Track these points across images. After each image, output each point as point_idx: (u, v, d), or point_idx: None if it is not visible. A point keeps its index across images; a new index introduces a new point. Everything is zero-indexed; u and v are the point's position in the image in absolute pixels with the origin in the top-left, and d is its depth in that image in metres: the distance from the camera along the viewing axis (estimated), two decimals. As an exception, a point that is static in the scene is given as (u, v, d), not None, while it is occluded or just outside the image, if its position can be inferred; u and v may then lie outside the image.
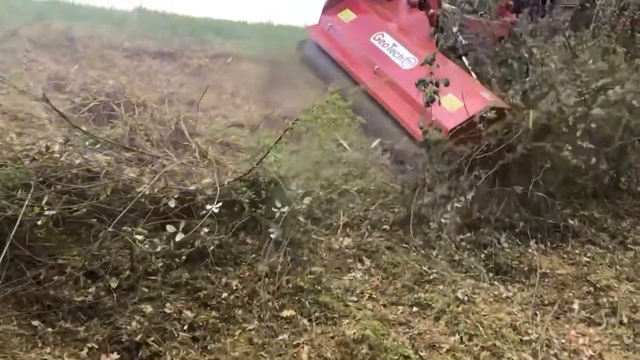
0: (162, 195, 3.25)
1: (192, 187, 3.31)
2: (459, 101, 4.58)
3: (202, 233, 3.26)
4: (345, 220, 4.14)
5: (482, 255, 4.05)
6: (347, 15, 5.99)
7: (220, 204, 3.21)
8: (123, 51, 5.82)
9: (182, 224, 3.19)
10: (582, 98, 4.46)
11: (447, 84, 4.34)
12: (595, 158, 4.43)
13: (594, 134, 4.45)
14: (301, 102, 5.62)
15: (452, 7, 6.56)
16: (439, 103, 4.36)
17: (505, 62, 5.52)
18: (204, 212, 3.23)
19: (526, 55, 5.32)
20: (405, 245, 3.97)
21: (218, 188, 3.28)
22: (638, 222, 4.72)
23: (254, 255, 3.47)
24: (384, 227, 4.12)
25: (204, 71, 5.89)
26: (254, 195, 3.49)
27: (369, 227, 4.12)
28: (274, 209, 3.53)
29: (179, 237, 3.09)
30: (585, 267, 4.07)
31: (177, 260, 3.23)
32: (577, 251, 4.23)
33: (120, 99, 4.37)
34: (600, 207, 4.80)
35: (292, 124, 3.78)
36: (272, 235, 3.48)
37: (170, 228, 3.14)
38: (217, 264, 3.35)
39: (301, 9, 6.81)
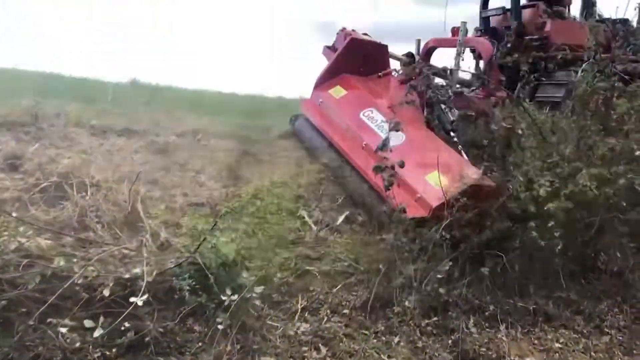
0: (99, 283, 3.18)
1: (127, 275, 3.23)
2: (444, 178, 4.62)
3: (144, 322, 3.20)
4: (304, 304, 4.04)
5: (449, 341, 3.93)
6: (338, 92, 6.19)
7: (145, 296, 3.13)
8: (89, 129, 5.87)
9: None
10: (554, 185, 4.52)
11: (402, 166, 4.38)
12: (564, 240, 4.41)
13: (570, 215, 4.45)
14: (274, 178, 5.63)
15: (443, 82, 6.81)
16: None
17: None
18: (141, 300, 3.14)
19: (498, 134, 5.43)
20: (365, 332, 3.85)
21: (145, 279, 3.21)
22: (615, 304, 4.61)
23: (200, 344, 3.37)
24: (344, 311, 4.00)
25: (170, 149, 5.92)
26: (195, 282, 3.41)
27: (328, 311, 4.00)
28: (222, 297, 3.46)
29: (97, 333, 2.98)
30: (557, 354, 3.93)
31: (115, 351, 3.15)
32: (549, 336, 4.10)
33: (73, 179, 4.34)
34: (578, 289, 4.71)
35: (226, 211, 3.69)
36: (219, 326, 3.39)
37: (88, 323, 3.04)
38: (159, 353, 3.25)
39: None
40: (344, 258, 4.50)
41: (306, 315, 3.97)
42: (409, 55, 6.66)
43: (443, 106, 5.74)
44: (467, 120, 5.91)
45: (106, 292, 3.11)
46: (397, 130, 4.61)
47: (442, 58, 7.70)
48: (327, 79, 6.42)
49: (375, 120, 5.66)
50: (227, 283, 3.57)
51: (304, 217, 4.96)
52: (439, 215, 4.41)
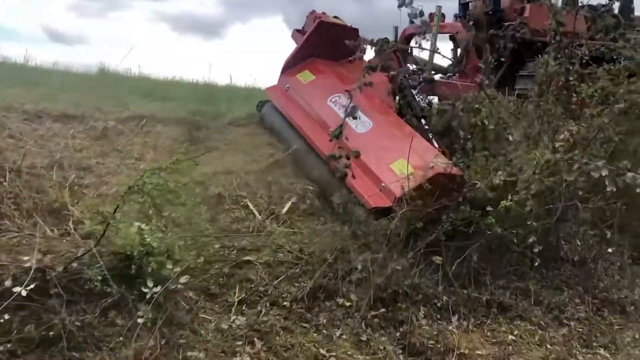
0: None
1: (27, 265, 3.03)
2: (410, 167, 4.55)
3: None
4: (242, 296, 3.87)
5: (397, 334, 3.80)
6: (306, 77, 6.09)
7: (32, 286, 2.95)
8: (21, 114, 5.63)
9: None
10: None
11: (357, 156, 4.33)
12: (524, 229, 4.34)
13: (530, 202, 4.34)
14: (221, 166, 5.45)
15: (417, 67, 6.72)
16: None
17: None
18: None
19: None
20: (305, 325, 3.69)
21: (33, 267, 3.02)
22: (577, 294, 4.52)
23: (120, 339, 3.19)
24: (284, 303, 3.84)
25: (110, 134, 5.70)
26: (114, 273, 3.23)
27: (267, 304, 3.83)
28: (144, 289, 3.29)
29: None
30: (510, 347, 3.81)
31: (25, 346, 2.97)
32: (503, 328, 3.99)
33: (-7, 165, 4.12)
34: (538, 279, 4.61)
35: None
36: (139, 320, 3.22)
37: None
38: (74, 348, 3.07)
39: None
40: (289, 248, 4.33)
41: (243, 308, 3.80)
42: (384, 40, 6.44)
43: (414, 92, 5.72)
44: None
45: (8, 283, 2.90)
46: (354, 117, 4.54)
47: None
48: (295, 63, 6.30)
49: (342, 106, 5.38)
50: (151, 274, 3.38)
51: (248, 206, 4.78)
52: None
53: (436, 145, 5.13)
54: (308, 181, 5.18)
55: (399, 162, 4.67)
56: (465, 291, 4.22)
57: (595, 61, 5.36)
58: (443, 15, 7.63)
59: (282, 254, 4.25)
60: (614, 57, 5.35)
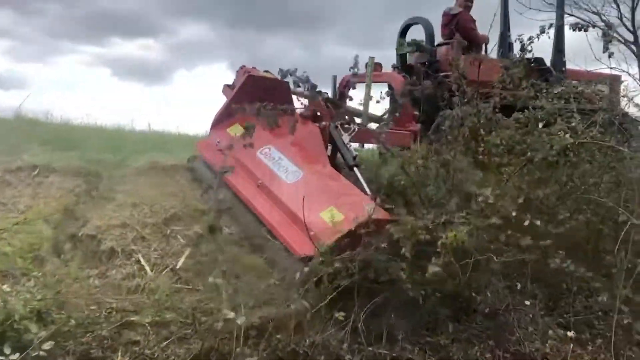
0: None
1: None
2: (340, 214, 4.64)
3: None
4: (127, 359, 3.61)
5: (293, 399, 3.59)
6: (236, 130, 6.12)
7: None
8: None
9: None
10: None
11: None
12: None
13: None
14: (116, 218, 5.20)
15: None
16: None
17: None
18: None
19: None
20: (190, 391, 3.45)
21: None
22: (488, 347, 4.43)
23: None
24: (171, 367, 3.59)
25: (-2, 186, 5.39)
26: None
27: (153, 368, 3.58)
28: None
29: None
30: (414, 408, 3.66)
31: None
32: (408, 387, 3.84)
33: None
34: (449, 333, 4.51)
35: None
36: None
37: None
38: None
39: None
40: (182, 306, 4.09)
41: (128, 373, 3.53)
42: (314, 90, 6.41)
43: (346, 141, 5.80)
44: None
45: None
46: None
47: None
48: (225, 117, 6.42)
49: (272, 157, 5.71)
50: (14, 339, 3.10)
51: (139, 261, 4.53)
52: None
53: (369, 192, 5.10)
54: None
55: (329, 210, 4.71)
56: (370, 348, 4.05)
57: (507, 111, 5.48)
58: (380, 65, 7.74)
59: (173, 314, 4.00)
60: (527, 106, 5.48)
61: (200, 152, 6.51)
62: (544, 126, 5.15)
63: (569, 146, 4.89)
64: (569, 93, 5.70)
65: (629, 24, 5.66)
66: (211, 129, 6.56)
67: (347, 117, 6.60)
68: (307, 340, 3.92)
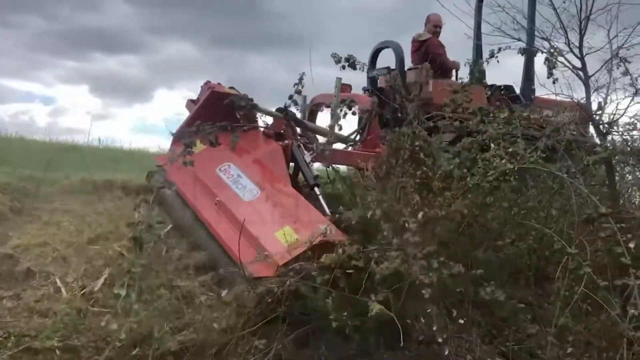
0: None
1: None
2: (295, 235, 4.63)
3: None
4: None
5: None
6: (197, 147, 5.80)
7: None
8: None
9: None
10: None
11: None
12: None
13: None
14: (38, 237, 5.04)
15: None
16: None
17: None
18: None
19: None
20: None
21: None
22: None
23: None
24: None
25: None
26: None
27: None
28: None
29: None
30: None
31: None
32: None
33: None
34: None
35: None
36: None
37: None
38: None
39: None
40: (96, 330, 3.94)
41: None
42: (280, 110, 6.55)
43: (307, 160, 5.85)
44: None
45: None
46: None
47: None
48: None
49: (231, 174, 5.68)
50: None
51: (56, 282, 4.37)
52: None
53: (328, 213, 5.10)
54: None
55: (284, 230, 4.70)
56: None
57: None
58: (349, 86, 7.78)
59: (84, 339, 3.85)
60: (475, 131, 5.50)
61: (159, 167, 6.33)
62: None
63: (507, 171, 4.89)
64: (515, 118, 5.73)
65: (577, 50, 5.79)
66: (171, 144, 6.46)
67: (309, 136, 6.67)
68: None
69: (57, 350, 3.73)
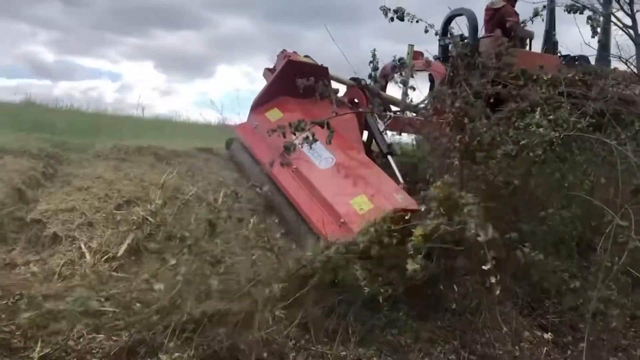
0: None
1: None
2: (370, 204, 4.76)
3: None
4: (47, 351, 3.46)
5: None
6: (275, 115, 6.40)
7: None
8: None
9: None
10: None
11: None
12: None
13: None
14: (66, 203, 5.08)
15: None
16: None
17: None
18: None
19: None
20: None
21: None
22: (452, 348, 4.26)
23: None
24: (91, 360, 3.44)
25: None
26: None
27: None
28: None
29: None
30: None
31: None
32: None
33: None
34: (415, 331, 4.33)
35: None
36: None
37: None
38: None
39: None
40: (116, 295, 3.94)
41: (49, 363, 3.40)
42: (354, 79, 6.79)
43: (381, 129, 6.00)
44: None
45: None
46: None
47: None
48: (264, 101, 6.67)
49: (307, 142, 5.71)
50: None
51: (80, 247, 4.40)
52: None
53: (402, 181, 5.19)
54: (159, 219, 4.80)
55: (359, 198, 4.84)
56: (319, 348, 3.88)
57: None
58: (421, 54, 7.66)
59: (106, 303, 3.86)
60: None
61: (239, 135, 6.74)
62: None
63: (554, 140, 4.68)
64: (560, 80, 5.50)
65: (627, 7, 5.53)
66: (250, 112, 6.75)
67: (384, 105, 6.78)
68: (250, 337, 3.74)
69: (78, 315, 3.71)
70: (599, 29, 5.21)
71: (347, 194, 4.98)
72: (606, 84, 5.48)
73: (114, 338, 3.62)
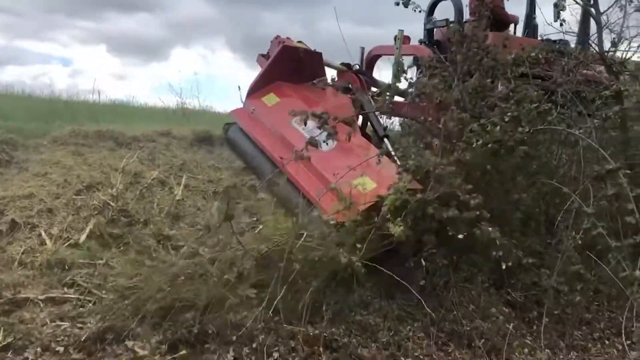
0: None
1: None
2: (373, 183, 4.89)
3: None
4: (10, 340, 3.41)
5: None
6: (271, 99, 6.43)
7: None
8: None
9: None
10: None
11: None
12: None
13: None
14: (23, 189, 5.00)
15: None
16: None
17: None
18: None
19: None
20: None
21: None
22: (421, 326, 4.30)
23: None
24: (58, 348, 3.39)
25: None
26: None
27: (39, 349, 3.37)
28: None
29: None
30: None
31: None
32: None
33: None
34: (383, 310, 4.37)
35: None
36: None
37: None
38: None
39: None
40: (81, 282, 3.90)
41: (8, 354, 3.34)
42: (345, 64, 6.92)
43: (377, 113, 6.06)
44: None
45: None
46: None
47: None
48: (259, 87, 6.65)
49: (307, 127, 5.76)
50: None
51: (41, 234, 4.33)
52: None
53: (398, 163, 5.19)
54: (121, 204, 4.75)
55: (361, 179, 4.94)
56: (289, 327, 3.90)
57: None
58: (408, 38, 7.69)
59: (71, 290, 3.82)
60: None
61: (236, 120, 6.72)
62: None
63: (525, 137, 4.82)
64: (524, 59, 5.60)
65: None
66: (246, 98, 6.72)
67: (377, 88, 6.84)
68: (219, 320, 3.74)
69: (40, 303, 3.67)
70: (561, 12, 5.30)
71: (350, 175, 5.02)
72: (568, 63, 5.57)
73: (79, 325, 3.58)
